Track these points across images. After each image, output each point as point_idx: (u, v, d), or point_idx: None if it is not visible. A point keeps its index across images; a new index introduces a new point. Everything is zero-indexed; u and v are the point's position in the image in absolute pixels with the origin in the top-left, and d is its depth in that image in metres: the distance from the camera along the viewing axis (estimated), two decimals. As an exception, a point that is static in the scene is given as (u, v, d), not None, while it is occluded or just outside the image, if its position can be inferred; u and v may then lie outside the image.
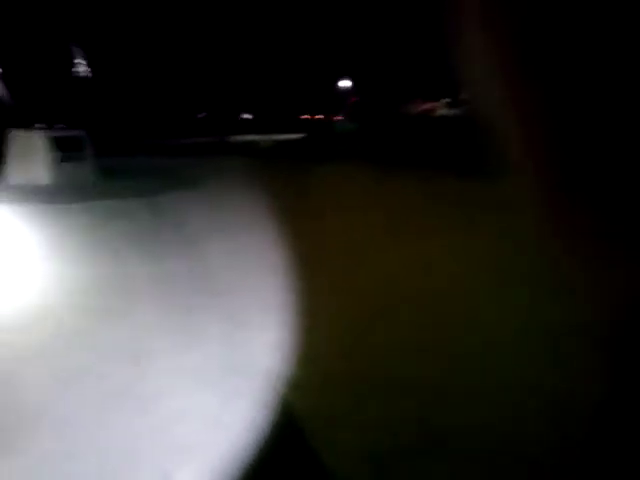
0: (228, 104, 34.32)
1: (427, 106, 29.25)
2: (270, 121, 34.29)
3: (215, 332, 2.70)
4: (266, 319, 2.81)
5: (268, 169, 12.31)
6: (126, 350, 2.49)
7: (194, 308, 3.02)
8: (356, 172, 11.53)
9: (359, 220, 5.73)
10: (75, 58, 24.52)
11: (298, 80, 34.78)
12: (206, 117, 33.21)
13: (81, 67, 24.52)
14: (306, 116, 35.10)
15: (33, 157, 8.75)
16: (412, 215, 5.96)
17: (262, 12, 30.46)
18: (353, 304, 3.10)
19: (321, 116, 33.79)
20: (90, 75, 24.90)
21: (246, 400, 2.04)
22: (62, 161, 8.89)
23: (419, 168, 11.05)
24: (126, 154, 15.08)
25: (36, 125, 9.93)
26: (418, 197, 7.26)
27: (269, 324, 2.74)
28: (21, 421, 1.91)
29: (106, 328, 2.74)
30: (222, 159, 14.66)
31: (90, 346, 2.54)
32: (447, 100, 29.12)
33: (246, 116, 36.81)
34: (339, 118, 29.60)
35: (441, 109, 28.53)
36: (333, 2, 29.49)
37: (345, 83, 32.29)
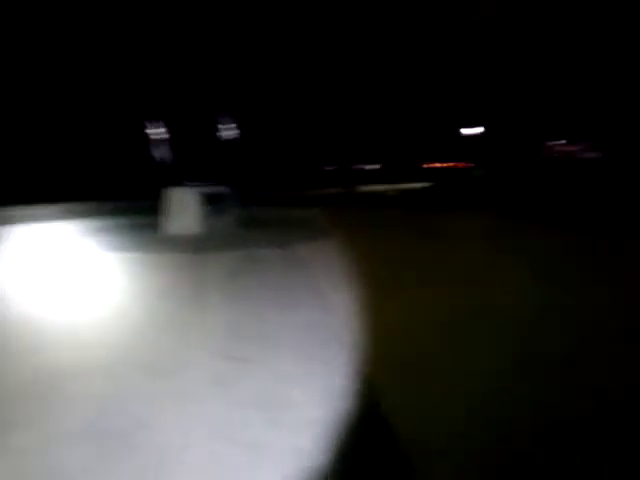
0: (354, 155, 35.54)
1: (568, 148, 27.15)
2: (396, 170, 34.66)
3: (345, 387, 2.61)
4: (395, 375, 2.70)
5: (395, 220, 12.25)
6: (262, 400, 2.50)
7: (326, 360, 2.97)
8: (492, 228, 10.86)
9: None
10: (224, 121, 27.71)
11: (423, 127, 34.84)
12: (334, 169, 34.71)
13: (229, 129, 27.56)
14: (434, 164, 34.72)
15: (186, 211, 9.75)
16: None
17: (382, 62, 31.52)
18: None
19: (450, 163, 33.14)
20: (238, 136, 27.84)
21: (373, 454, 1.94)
22: (211, 214, 9.83)
23: (567, 222, 10.08)
24: (266, 206, 16.26)
25: (190, 183, 11.12)
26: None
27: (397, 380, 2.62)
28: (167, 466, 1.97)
29: (244, 376, 2.80)
30: (351, 210, 15.02)
31: (228, 394, 2.60)
32: (590, 142, 26.74)
33: (372, 167, 37.67)
34: (468, 165, 28.78)
35: (584, 151, 26.26)
36: (453, 44, 29.39)
37: (472, 128, 31.33)
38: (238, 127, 27.79)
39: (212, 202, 10.06)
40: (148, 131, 26.06)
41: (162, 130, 26.14)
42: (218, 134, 27.93)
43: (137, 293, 4.98)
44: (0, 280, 5.73)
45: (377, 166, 37.38)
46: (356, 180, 29.61)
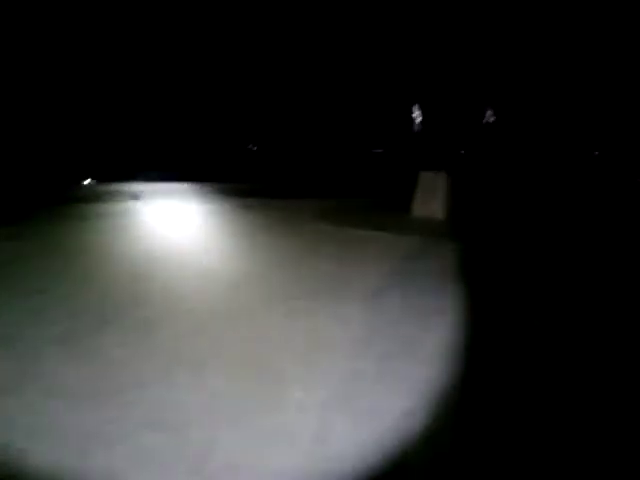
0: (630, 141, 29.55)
1: None
2: None
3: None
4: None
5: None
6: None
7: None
8: None
9: None
10: (485, 106, 26.82)
11: None
12: (600, 154, 29.77)
13: (488, 114, 26.57)
14: None
15: (433, 194, 9.92)
16: None
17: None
18: None
19: None
20: (494, 119, 26.65)
21: None
22: (453, 201, 9.85)
23: None
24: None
25: (437, 167, 11.26)
26: None
27: None
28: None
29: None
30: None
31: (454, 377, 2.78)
32: None
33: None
34: None
35: None
36: None
37: None
38: (495, 114, 26.46)
39: (456, 189, 10.01)
40: (413, 114, 27.19)
41: (417, 113, 26.91)
42: (475, 122, 27.18)
43: (376, 273, 5.21)
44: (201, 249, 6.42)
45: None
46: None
